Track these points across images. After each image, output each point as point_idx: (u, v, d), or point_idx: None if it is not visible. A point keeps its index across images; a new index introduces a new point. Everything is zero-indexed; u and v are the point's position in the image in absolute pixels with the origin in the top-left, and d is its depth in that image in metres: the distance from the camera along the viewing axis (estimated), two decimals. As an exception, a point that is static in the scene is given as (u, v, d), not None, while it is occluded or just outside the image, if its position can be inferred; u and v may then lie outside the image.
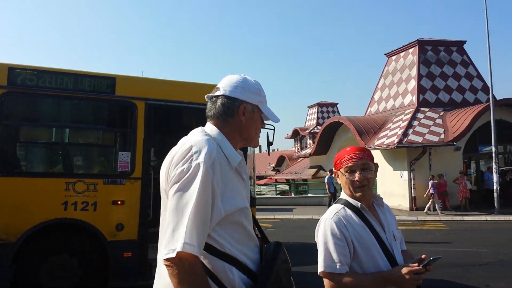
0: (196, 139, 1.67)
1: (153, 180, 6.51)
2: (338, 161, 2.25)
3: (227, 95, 1.79)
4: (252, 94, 1.81)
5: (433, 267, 2.01)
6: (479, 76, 23.85)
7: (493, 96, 18.53)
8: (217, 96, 1.81)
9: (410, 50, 24.58)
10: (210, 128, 1.78)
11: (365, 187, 2.15)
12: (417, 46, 23.99)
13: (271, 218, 18.07)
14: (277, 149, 60.97)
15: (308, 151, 31.79)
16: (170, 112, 7.21)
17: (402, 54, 25.31)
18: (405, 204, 20.23)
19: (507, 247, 10.86)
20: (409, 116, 21.24)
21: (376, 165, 2.25)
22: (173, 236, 1.50)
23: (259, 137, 1.90)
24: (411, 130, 19.86)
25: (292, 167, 36.96)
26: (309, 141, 42.06)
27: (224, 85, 1.81)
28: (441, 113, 21.54)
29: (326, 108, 48.87)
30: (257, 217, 7.42)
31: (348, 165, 2.17)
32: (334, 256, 2.02)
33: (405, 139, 19.20)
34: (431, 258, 1.97)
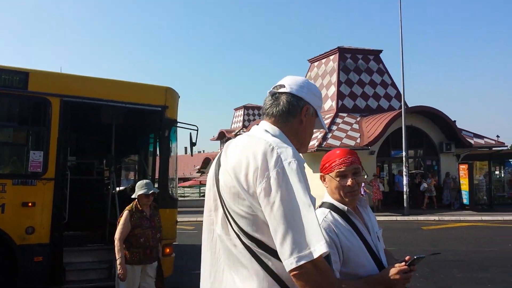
0: (273, 140, 1.55)
1: (69, 180, 6.27)
2: (327, 165, 2.17)
3: (294, 93, 1.70)
4: (314, 97, 1.75)
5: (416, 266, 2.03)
6: (393, 84, 25.43)
7: (405, 104, 19.86)
8: (281, 93, 1.71)
9: (331, 57, 25.63)
10: (270, 127, 1.67)
11: (355, 191, 2.12)
12: (338, 53, 25.09)
13: (193, 220, 17.95)
14: (203, 151, 60.68)
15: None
16: (88, 110, 6.87)
17: (323, 60, 26.33)
18: (324, 205, 21.03)
19: (412, 245, 11.69)
20: (328, 120, 22.14)
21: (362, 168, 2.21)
22: (300, 241, 1.37)
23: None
24: (330, 134, 20.72)
25: (217, 169, 36.88)
26: (234, 143, 42.22)
27: (290, 83, 1.73)
28: (358, 119, 22.70)
29: (252, 111, 49.42)
30: (178, 219, 7.33)
31: (340, 169, 2.11)
32: None
33: (324, 143, 19.99)
34: (415, 257, 1.99)
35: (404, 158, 19.47)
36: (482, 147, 22.85)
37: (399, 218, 18.26)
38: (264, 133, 1.62)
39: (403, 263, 1.98)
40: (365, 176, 2.15)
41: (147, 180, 5.35)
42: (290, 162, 1.46)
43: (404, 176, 19.51)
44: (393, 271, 1.97)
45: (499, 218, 17.72)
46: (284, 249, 1.38)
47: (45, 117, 6.09)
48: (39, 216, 5.86)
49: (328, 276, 1.41)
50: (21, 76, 6.00)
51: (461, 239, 12.72)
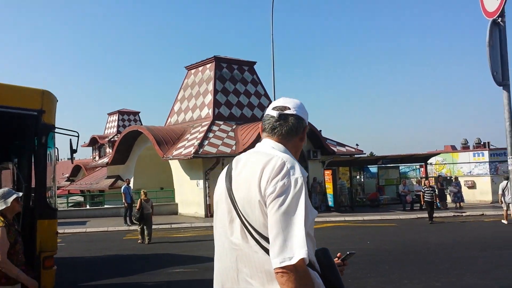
0: (284, 155, 1.78)
1: None
2: None
3: (298, 115, 1.94)
4: (307, 117, 2.01)
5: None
6: (266, 95, 26.66)
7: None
8: (288, 114, 1.92)
9: (208, 66, 25.99)
10: (276, 144, 1.89)
11: None
12: (214, 62, 25.53)
13: (60, 232, 16.64)
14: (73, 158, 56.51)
15: (105, 160, 30.46)
16: None
17: (200, 68, 26.57)
18: (201, 211, 21.14)
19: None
20: (205, 128, 22.37)
21: None
22: (287, 245, 1.58)
23: None
24: (206, 142, 20.94)
25: (89, 177, 34.83)
26: (108, 150, 40.32)
27: (294, 105, 1.94)
28: (234, 127, 23.32)
29: (127, 116, 47.67)
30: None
31: None
32: None
33: (201, 150, 20.14)
34: (348, 253, 2.18)
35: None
36: (344, 154, 25.09)
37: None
38: (272, 149, 1.85)
39: (336, 259, 2.15)
40: None
41: (6, 188, 4.83)
42: (297, 178, 1.69)
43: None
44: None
45: (359, 218, 19.60)
46: (273, 248, 1.60)
47: None
48: None
49: (306, 278, 1.62)
50: None
51: (327, 238, 13.77)
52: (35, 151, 6.12)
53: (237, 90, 25.64)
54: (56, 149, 6.66)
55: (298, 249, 1.57)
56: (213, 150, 20.45)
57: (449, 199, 23.74)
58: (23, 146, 6.83)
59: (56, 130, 6.38)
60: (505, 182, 14.10)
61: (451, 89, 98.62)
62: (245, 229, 1.73)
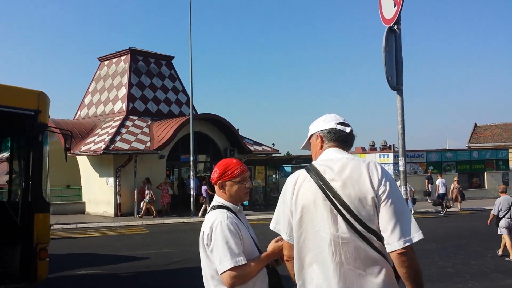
0: (372, 161, 2.20)
1: None
2: (229, 172, 2.57)
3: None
4: None
5: None
6: (184, 91, 26.13)
7: (194, 110, 20.65)
8: (352, 131, 2.33)
9: (123, 58, 24.89)
10: (348, 154, 2.26)
11: (248, 192, 2.65)
12: (129, 54, 24.50)
13: None
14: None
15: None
16: None
17: (114, 60, 25.39)
18: (110, 210, 20.18)
19: (195, 246, 12.10)
20: (118, 123, 21.39)
21: None
22: (406, 230, 2.00)
23: None
24: (118, 137, 20.02)
25: (-14, 173, 31.92)
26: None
27: (348, 123, 2.35)
28: (149, 122, 22.58)
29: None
30: None
31: (246, 174, 2.61)
32: (237, 251, 2.37)
33: (112, 146, 19.22)
34: None
35: (191, 163, 20.15)
36: (261, 153, 25.34)
37: (186, 220, 18.76)
38: (352, 156, 2.23)
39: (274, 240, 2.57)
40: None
41: None
42: (392, 177, 2.18)
43: (191, 179, 20.17)
44: (271, 245, 2.54)
45: (271, 216, 19.85)
46: (394, 234, 1.98)
47: None
48: None
49: (415, 258, 2.02)
50: None
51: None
52: (32, 149, 6.41)
53: (154, 84, 24.85)
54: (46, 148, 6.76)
55: (414, 231, 2.00)
56: (126, 146, 19.60)
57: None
58: (20, 144, 7.26)
59: (49, 128, 6.82)
60: (504, 198, 9.84)
61: (362, 94, 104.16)
62: (348, 224, 2.04)
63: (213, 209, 2.57)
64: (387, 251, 2.02)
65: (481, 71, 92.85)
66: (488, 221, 10.32)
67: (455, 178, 21.54)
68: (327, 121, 2.33)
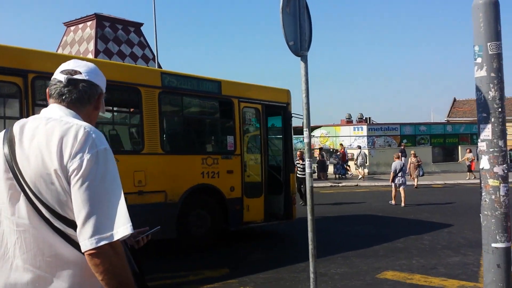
0: (85, 124, 1.63)
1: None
2: None
3: (92, 81, 1.78)
4: (104, 84, 1.88)
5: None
6: (155, 59, 25.40)
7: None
8: (78, 80, 1.75)
9: (88, 23, 24.02)
10: (68, 111, 1.72)
11: None
12: (95, 20, 23.64)
13: None
14: None
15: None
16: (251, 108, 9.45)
17: (80, 26, 24.49)
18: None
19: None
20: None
21: None
22: (105, 223, 1.46)
23: None
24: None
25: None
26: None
27: (86, 70, 1.79)
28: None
29: None
30: None
31: None
32: None
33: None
34: (153, 230, 2.16)
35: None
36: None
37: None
38: (66, 116, 1.63)
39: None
40: None
41: None
42: (105, 148, 1.54)
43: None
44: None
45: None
46: (85, 230, 1.43)
47: (231, 113, 8.55)
48: (235, 180, 8.45)
49: (123, 259, 1.50)
50: (216, 84, 8.43)
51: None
52: (286, 129, 9.60)
53: (122, 52, 24.11)
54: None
55: (120, 225, 1.47)
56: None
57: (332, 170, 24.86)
58: (274, 126, 10.30)
59: (293, 115, 9.57)
60: (398, 162, 14.51)
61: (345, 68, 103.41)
62: (32, 208, 1.51)
63: None
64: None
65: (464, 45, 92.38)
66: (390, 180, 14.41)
67: (412, 152, 21.08)
68: (58, 70, 1.78)
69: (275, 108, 9.53)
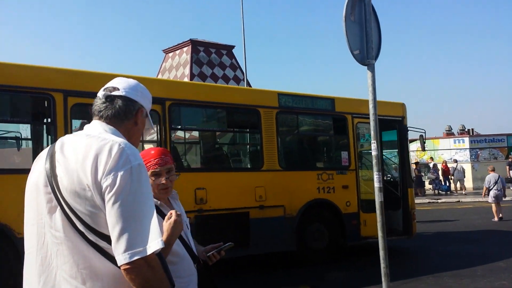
0: (120, 140, 1.68)
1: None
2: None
3: (129, 97, 1.83)
4: (147, 100, 1.91)
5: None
6: (246, 80, 26.24)
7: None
8: (115, 96, 1.80)
9: (184, 49, 25.48)
10: (108, 127, 1.77)
11: (169, 188, 2.33)
12: (190, 45, 25.05)
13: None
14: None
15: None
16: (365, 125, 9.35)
17: (177, 52, 26.07)
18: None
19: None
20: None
21: (175, 165, 2.45)
22: (131, 239, 1.48)
23: None
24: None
25: None
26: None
27: (124, 86, 1.83)
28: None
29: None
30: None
31: (155, 170, 2.30)
32: None
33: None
34: (226, 244, 2.36)
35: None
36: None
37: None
38: (105, 133, 1.66)
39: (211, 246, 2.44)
40: (177, 175, 2.42)
41: None
42: (139, 164, 1.56)
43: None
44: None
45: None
46: (119, 245, 1.46)
47: (345, 129, 8.80)
48: (351, 194, 8.56)
49: (158, 272, 1.53)
50: (329, 101, 8.73)
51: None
52: (402, 143, 9.65)
53: (215, 74, 25.19)
54: None
55: (151, 240, 1.49)
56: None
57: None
58: (389, 139, 10.44)
59: (409, 128, 9.66)
60: (492, 175, 13.86)
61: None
62: (68, 221, 1.55)
63: None
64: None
65: None
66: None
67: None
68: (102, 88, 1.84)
69: (390, 122, 9.58)
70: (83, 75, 6.63)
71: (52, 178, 1.60)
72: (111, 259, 1.53)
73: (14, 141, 7.06)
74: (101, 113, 1.76)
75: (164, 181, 2.32)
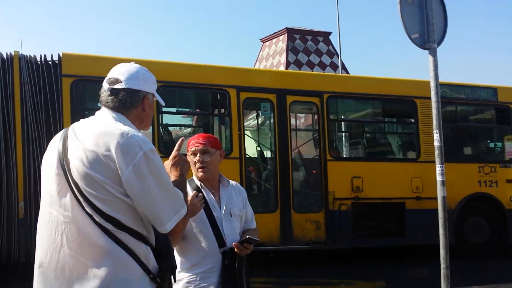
0: (128, 128, 1.81)
1: None
2: (187, 146, 2.61)
3: (130, 89, 1.88)
4: (151, 85, 1.95)
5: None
6: (344, 67, 25.51)
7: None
8: (119, 89, 1.87)
9: (281, 37, 25.56)
10: (117, 115, 1.85)
11: (205, 168, 2.55)
12: (286, 33, 25.03)
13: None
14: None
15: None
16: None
17: (274, 40, 26.25)
18: None
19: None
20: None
21: (222, 152, 2.66)
22: (169, 212, 1.77)
23: None
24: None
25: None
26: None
27: (126, 77, 1.87)
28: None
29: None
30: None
31: (191, 149, 2.57)
32: None
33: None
34: (250, 238, 2.48)
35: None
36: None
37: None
38: (114, 121, 1.78)
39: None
40: (219, 157, 2.64)
41: None
42: (150, 148, 1.71)
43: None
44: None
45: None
46: (164, 215, 1.73)
47: (509, 119, 8.38)
48: None
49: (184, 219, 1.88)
50: (491, 90, 8.42)
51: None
52: None
53: (311, 61, 24.92)
54: None
55: (180, 208, 1.79)
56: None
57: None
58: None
59: None
60: None
61: None
62: (77, 203, 1.68)
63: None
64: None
65: None
66: None
67: None
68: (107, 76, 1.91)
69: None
70: (251, 72, 8.30)
71: (64, 161, 1.72)
72: (117, 240, 1.67)
73: (192, 129, 8.70)
74: (108, 104, 1.84)
75: (196, 160, 2.55)
